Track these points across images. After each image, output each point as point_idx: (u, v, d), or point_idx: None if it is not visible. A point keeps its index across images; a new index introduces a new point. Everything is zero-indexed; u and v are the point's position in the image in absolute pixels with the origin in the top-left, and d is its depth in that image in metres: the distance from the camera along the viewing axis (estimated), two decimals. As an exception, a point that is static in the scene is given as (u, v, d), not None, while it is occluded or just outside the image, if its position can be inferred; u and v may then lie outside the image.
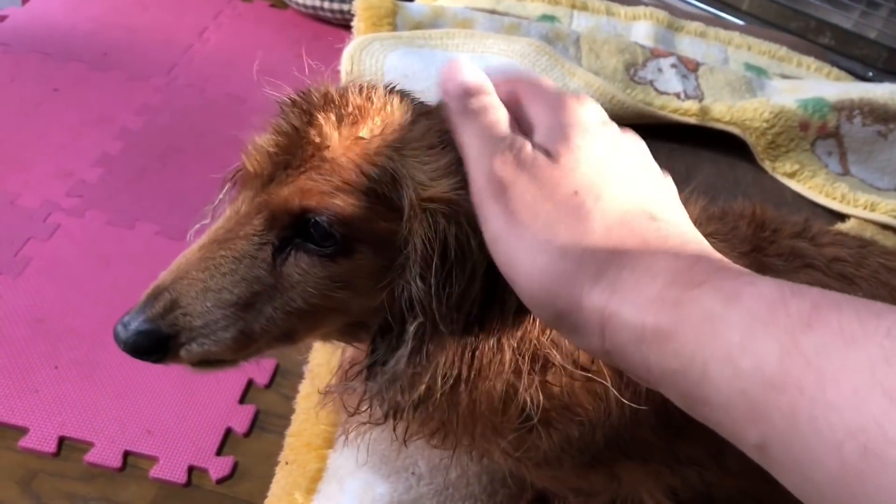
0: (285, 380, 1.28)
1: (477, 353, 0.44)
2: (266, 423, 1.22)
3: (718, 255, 0.36)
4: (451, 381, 0.44)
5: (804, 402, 0.28)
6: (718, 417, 0.31)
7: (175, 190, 1.52)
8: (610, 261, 0.35)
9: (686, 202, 0.57)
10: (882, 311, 0.29)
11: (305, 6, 2.06)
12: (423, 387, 0.43)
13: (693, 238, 0.38)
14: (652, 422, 0.53)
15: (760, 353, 0.29)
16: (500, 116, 0.41)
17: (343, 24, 2.05)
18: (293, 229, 0.44)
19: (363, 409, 0.48)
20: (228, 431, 1.20)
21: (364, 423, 0.53)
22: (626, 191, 0.38)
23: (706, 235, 0.43)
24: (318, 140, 0.44)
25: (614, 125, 0.42)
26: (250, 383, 1.27)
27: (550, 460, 0.56)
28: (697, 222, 0.50)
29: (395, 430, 0.50)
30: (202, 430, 1.18)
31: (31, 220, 1.45)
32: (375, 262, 0.44)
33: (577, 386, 0.50)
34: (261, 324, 0.45)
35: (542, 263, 0.36)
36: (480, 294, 0.43)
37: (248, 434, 1.20)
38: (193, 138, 1.67)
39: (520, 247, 0.37)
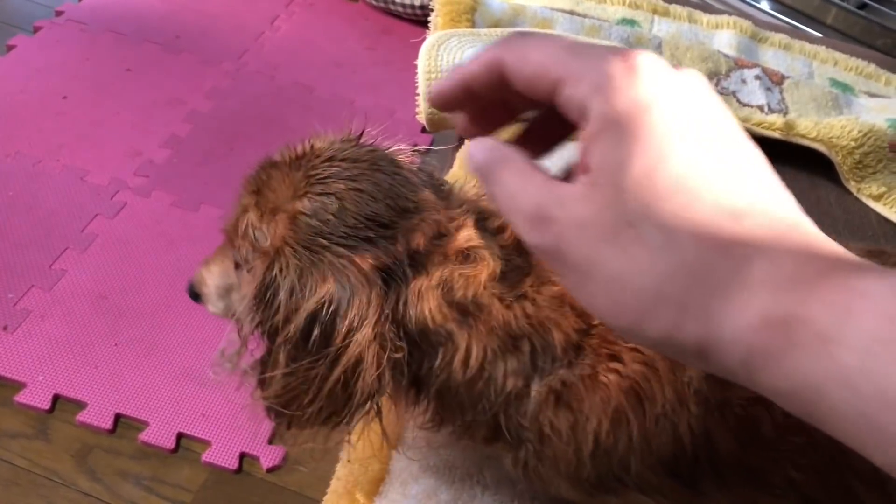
0: (340, 373, 1.27)
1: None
2: (318, 415, 1.22)
3: (827, 248, 0.30)
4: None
5: None
6: (839, 436, 0.29)
7: (240, 175, 1.52)
8: (694, 289, 0.30)
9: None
10: None
11: (377, -1, 2.05)
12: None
13: (789, 224, 0.31)
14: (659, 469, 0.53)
15: (882, 376, 0.26)
16: (516, 183, 0.35)
17: (414, 19, 2.04)
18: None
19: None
20: (281, 421, 1.19)
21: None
22: (694, 196, 0.31)
23: None
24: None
25: (656, 65, 0.32)
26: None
27: (546, 478, 0.57)
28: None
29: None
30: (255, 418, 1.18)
31: (99, 197, 1.47)
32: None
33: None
34: (234, 307, 0.62)
35: (622, 305, 0.32)
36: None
37: (300, 425, 1.19)
38: (261, 125, 1.68)
39: (594, 297, 0.33)
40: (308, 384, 0.51)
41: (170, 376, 1.21)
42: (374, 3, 2.08)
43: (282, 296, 0.50)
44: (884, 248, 0.66)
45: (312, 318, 0.49)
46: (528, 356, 0.52)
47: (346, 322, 0.48)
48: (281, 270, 0.50)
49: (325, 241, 0.50)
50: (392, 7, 2.06)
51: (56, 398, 1.16)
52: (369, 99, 1.80)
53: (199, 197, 1.49)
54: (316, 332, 0.49)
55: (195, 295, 0.67)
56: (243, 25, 1.97)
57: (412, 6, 2.01)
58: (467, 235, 0.52)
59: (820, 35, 1.65)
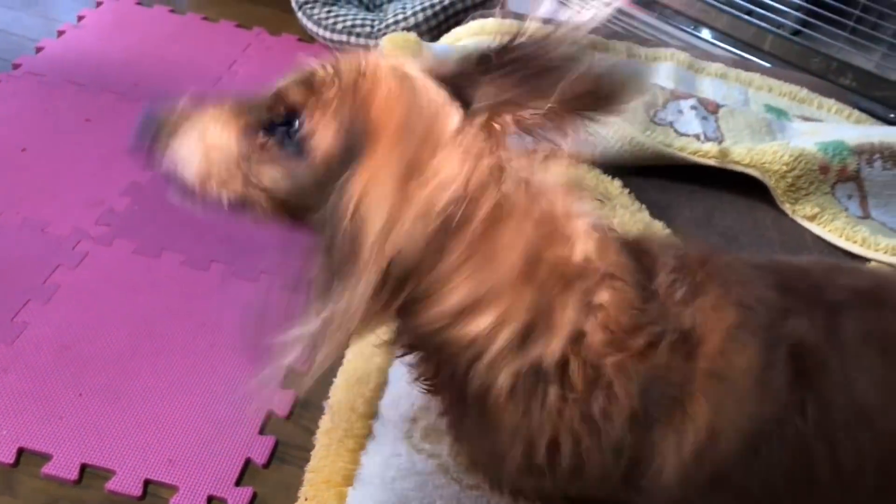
0: (306, 411, 1.29)
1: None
2: (285, 454, 1.23)
3: None
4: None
5: None
6: None
7: (201, 220, 1.55)
8: None
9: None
10: None
11: (332, 41, 2.10)
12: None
13: None
14: None
15: None
16: None
17: (368, 58, 2.09)
18: (283, 121, 0.54)
19: None
20: (248, 462, 1.20)
21: None
22: None
23: None
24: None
25: None
26: (270, 414, 1.28)
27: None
28: None
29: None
30: (222, 459, 1.19)
31: (61, 248, 1.48)
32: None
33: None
34: (220, 176, 0.56)
35: None
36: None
37: (267, 465, 1.21)
38: (220, 169, 1.71)
39: None
40: None
41: (136, 423, 1.22)
42: (329, 44, 2.13)
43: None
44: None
45: None
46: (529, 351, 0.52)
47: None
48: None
49: None
50: (348, 48, 2.11)
51: (20, 452, 1.16)
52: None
53: (160, 243, 1.51)
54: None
55: (151, 134, 0.56)
56: (202, 71, 2.00)
57: (367, 46, 2.06)
58: None
59: (760, 62, 1.73)
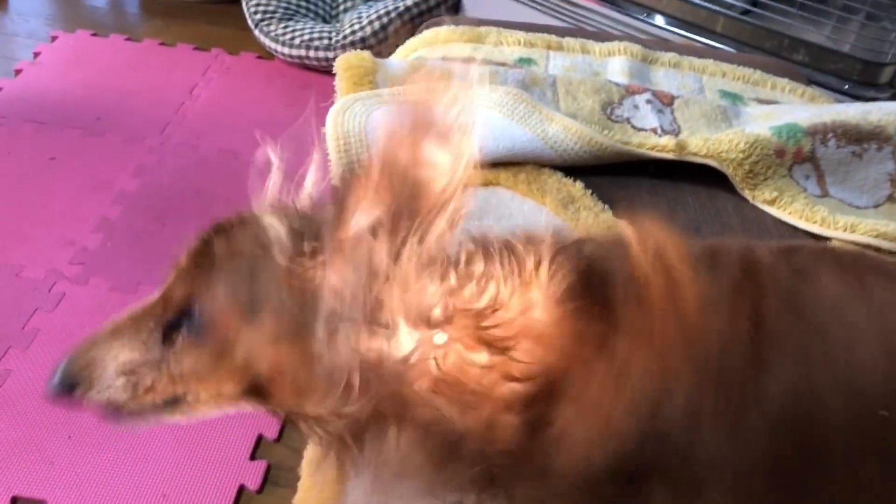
0: (294, 431, 1.30)
1: None
2: (278, 477, 1.25)
3: None
4: None
5: None
6: None
7: (174, 250, 1.55)
8: None
9: None
10: None
11: (291, 56, 2.10)
12: None
13: None
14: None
15: None
16: None
17: (329, 71, 2.09)
18: (182, 315, 0.57)
19: None
20: (241, 489, 1.22)
21: None
22: None
23: None
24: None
25: None
26: (260, 438, 1.29)
27: None
28: None
29: None
30: (216, 489, 1.21)
31: (37, 291, 1.48)
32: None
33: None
34: (146, 384, 0.57)
35: None
36: None
37: (261, 490, 1.23)
38: (189, 197, 1.71)
39: None
40: None
41: (127, 461, 1.23)
42: (289, 59, 2.13)
43: None
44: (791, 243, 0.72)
45: None
46: None
47: None
48: None
49: None
50: (307, 62, 2.11)
51: (14, 501, 1.17)
52: (294, 157, 1.85)
53: (136, 278, 1.52)
54: None
55: (71, 387, 0.58)
56: (163, 99, 2.00)
57: (326, 59, 2.07)
58: None
59: (714, 44, 1.75)
